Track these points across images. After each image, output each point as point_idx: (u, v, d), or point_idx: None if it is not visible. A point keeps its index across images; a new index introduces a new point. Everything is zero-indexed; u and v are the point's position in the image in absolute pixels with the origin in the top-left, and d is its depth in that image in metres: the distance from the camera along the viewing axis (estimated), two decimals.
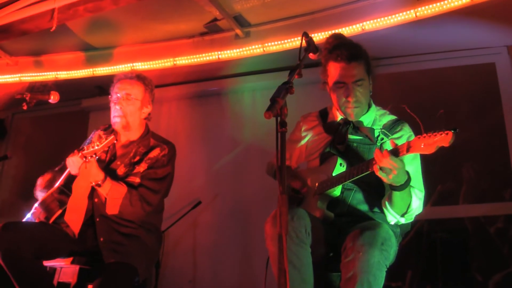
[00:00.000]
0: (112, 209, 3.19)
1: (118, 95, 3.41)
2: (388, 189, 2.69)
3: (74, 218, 3.27)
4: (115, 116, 3.40)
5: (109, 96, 3.48)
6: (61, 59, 5.63)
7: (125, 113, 3.39)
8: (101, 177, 3.17)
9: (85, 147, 3.16)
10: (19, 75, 5.70)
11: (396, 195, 2.63)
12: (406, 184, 2.57)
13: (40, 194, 3.46)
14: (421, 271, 4.50)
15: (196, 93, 5.86)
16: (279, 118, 2.15)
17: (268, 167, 3.43)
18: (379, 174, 2.50)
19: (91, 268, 3.25)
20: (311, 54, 2.68)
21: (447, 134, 2.26)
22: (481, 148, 4.65)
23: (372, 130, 2.91)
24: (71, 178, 3.36)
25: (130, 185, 3.26)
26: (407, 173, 2.57)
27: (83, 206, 3.28)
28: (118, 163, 3.40)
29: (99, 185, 3.17)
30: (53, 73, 5.62)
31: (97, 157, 3.16)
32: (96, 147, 3.12)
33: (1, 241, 2.91)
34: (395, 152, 2.46)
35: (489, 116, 4.70)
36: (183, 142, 5.52)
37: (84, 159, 3.13)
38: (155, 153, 3.39)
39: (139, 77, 3.49)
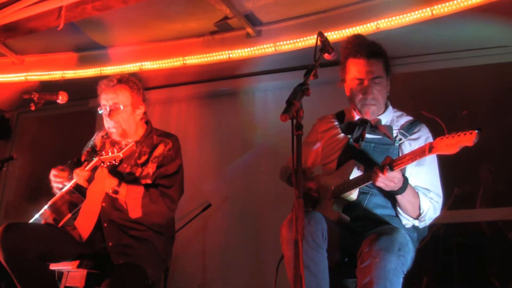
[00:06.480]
0: (134, 212, 3.15)
1: (106, 106, 3.32)
2: None
3: (85, 223, 3.24)
4: (110, 127, 3.34)
5: (98, 108, 3.37)
6: (68, 58, 5.59)
7: (118, 122, 3.32)
8: (115, 183, 3.13)
9: (103, 153, 3.13)
10: (25, 74, 5.67)
11: (400, 198, 2.70)
12: (404, 186, 2.63)
13: (55, 186, 3.36)
14: (437, 276, 4.47)
15: (206, 93, 5.85)
16: (295, 121, 2.13)
17: (281, 172, 3.41)
18: (378, 184, 2.60)
19: (99, 272, 3.20)
20: (326, 54, 2.63)
21: (471, 133, 2.30)
22: (499, 150, 4.59)
23: (390, 127, 2.92)
24: None
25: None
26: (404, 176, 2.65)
27: (96, 212, 3.24)
28: (125, 165, 3.35)
29: (116, 192, 3.14)
30: (59, 72, 5.58)
31: (116, 163, 3.12)
32: (116, 153, 3.09)
33: (3, 242, 2.89)
34: (391, 166, 2.53)
35: (508, 117, 4.63)
36: (193, 143, 5.54)
37: (102, 164, 3.11)
38: (159, 150, 3.35)
39: (122, 81, 3.39)
